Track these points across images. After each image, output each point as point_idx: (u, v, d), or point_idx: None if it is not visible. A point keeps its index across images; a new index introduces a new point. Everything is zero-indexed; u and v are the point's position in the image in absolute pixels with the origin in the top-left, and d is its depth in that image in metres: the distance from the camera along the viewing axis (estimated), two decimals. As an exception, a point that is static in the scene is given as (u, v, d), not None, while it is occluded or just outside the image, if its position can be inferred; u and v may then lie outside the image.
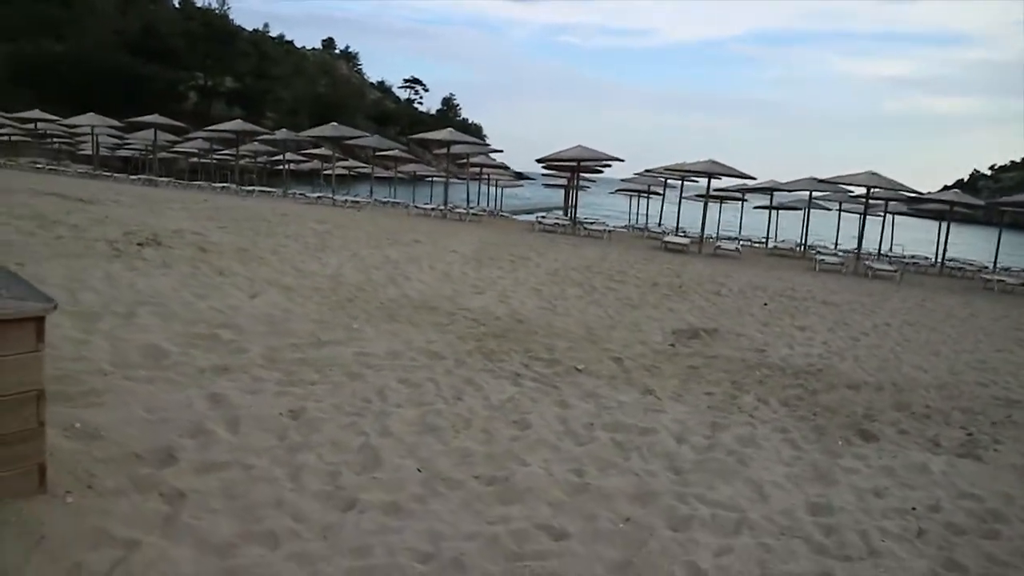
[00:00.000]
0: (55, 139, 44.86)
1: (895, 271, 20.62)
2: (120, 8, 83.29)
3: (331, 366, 5.79)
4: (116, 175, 33.56)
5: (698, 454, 5.03)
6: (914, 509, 4.51)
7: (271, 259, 9.97)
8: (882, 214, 28.27)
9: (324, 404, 4.99)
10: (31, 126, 37.33)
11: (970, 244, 32.52)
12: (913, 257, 27.20)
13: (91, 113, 33.88)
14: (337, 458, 4.24)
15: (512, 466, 4.42)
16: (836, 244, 29.38)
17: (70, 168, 36.48)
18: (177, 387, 4.95)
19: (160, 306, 6.63)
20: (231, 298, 7.38)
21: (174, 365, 5.33)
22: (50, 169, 33.41)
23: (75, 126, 35.50)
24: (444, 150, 29.97)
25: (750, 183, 26.39)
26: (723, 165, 22.59)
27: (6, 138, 44.05)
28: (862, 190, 22.74)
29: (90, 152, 39.20)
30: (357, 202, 28.60)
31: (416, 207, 28.61)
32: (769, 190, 28.58)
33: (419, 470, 4.23)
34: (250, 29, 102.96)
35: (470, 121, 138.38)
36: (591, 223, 26.08)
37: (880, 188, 21.40)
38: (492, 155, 33.85)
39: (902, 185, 21.19)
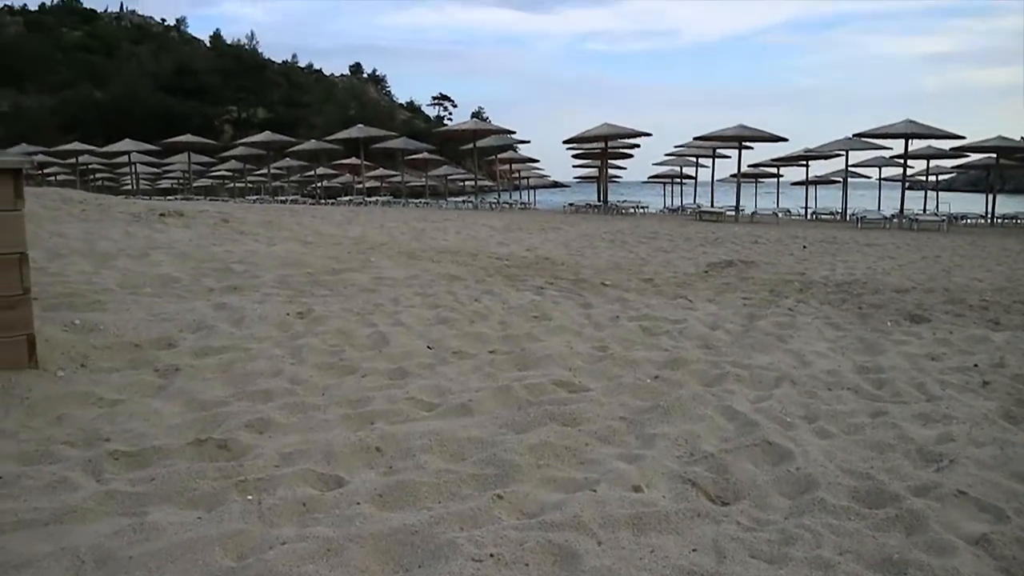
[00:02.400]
0: (97, 175, 46.08)
1: (942, 220, 19.72)
2: (154, 52, 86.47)
3: (345, 285, 5.59)
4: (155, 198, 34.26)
5: (733, 337, 4.66)
6: (976, 366, 4.08)
7: (294, 226, 9.88)
8: (923, 187, 27.11)
9: (334, 307, 4.78)
10: (73, 160, 38.32)
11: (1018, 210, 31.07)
12: (964, 214, 25.92)
13: (127, 139, 34.64)
14: (342, 341, 4.02)
15: (529, 345, 4.13)
16: (879, 211, 28.34)
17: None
18: (183, 301, 4.79)
19: (174, 250, 6.53)
20: (248, 246, 7.26)
21: (183, 287, 5.19)
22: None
23: (113, 153, 36.32)
24: (471, 145, 29.78)
25: (783, 151, 25.69)
26: (753, 128, 21.97)
27: (52, 178, 45.50)
28: (900, 149, 21.91)
29: (131, 186, 40.15)
30: (388, 202, 28.64)
31: (448, 201, 28.51)
32: (804, 158, 27.76)
33: (429, 347, 3.98)
34: (279, 61, 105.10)
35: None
36: (623, 203, 25.63)
37: (920, 137, 20.50)
38: (520, 148, 33.59)
39: (942, 131, 20.29)
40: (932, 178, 26.99)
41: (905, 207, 21.79)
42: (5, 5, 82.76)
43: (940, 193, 29.45)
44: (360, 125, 29.12)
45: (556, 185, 48.78)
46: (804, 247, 11.64)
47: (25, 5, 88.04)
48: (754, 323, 5.05)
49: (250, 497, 2.14)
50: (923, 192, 27.77)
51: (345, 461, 2.44)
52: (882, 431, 3.00)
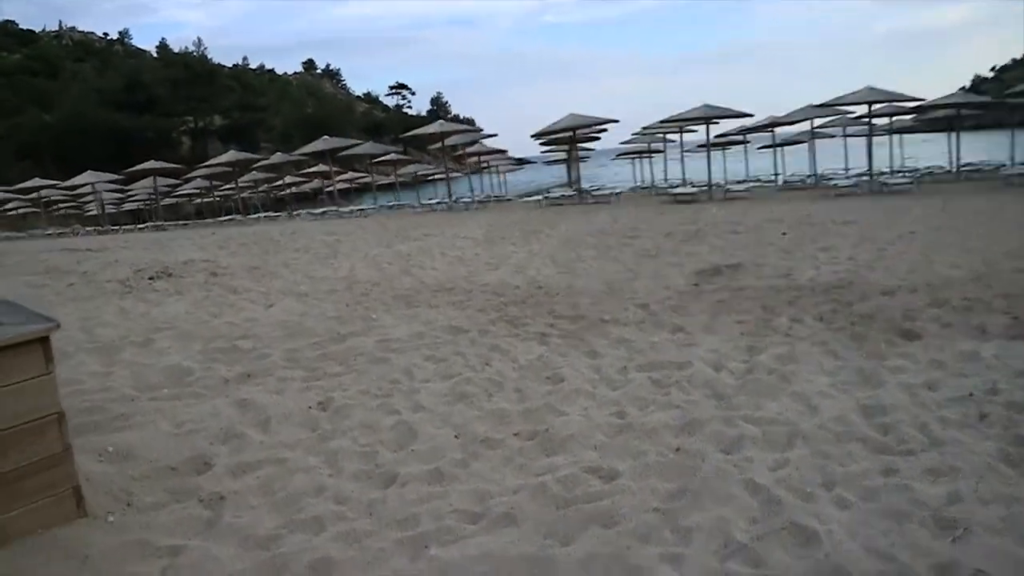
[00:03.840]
0: (60, 205, 45.35)
1: (910, 183, 20.17)
2: (99, 69, 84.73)
3: (354, 356, 5.71)
4: (124, 227, 33.84)
5: (738, 379, 4.88)
6: (971, 395, 4.32)
7: (283, 271, 9.92)
8: (887, 133, 27.61)
9: (351, 391, 4.90)
10: (35, 195, 37.70)
11: (983, 150, 31.61)
12: (928, 168, 26.55)
13: (88, 171, 34.12)
14: (372, 439, 4.16)
15: (550, 419, 4.30)
16: (847, 170, 28.81)
17: (80, 231, 36.85)
18: (203, 400, 4.89)
19: (176, 329, 6.59)
20: (246, 312, 7.33)
21: (198, 382, 5.27)
22: (59, 234, 33.76)
23: (76, 186, 35.78)
24: (439, 144, 29.79)
25: (749, 122, 25.95)
26: (718, 108, 22.20)
27: (14, 211, 44.68)
28: (864, 110, 22.22)
29: (96, 212, 39.60)
30: (363, 211, 28.58)
31: (421, 204, 28.54)
32: (769, 126, 28.06)
33: (456, 437, 4.13)
34: (230, 65, 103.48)
35: (462, 116, 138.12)
36: (597, 190, 25.81)
37: (881, 103, 20.89)
38: (487, 142, 33.61)
39: (903, 95, 20.69)
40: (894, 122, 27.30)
41: (873, 156, 22.18)
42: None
43: (904, 137, 29.78)
44: (326, 136, 28.89)
45: (522, 162, 48.76)
46: (784, 234, 11.89)
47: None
48: (755, 358, 5.26)
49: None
50: (888, 139, 28.11)
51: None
52: (896, 496, 3.22)
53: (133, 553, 3.14)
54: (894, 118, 27.06)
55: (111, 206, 42.61)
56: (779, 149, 30.97)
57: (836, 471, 3.49)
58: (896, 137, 28.39)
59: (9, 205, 42.71)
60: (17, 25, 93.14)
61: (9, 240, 30.95)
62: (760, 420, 4.14)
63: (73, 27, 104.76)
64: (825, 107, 22.44)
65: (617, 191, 25.47)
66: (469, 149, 34.32)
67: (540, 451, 3.89)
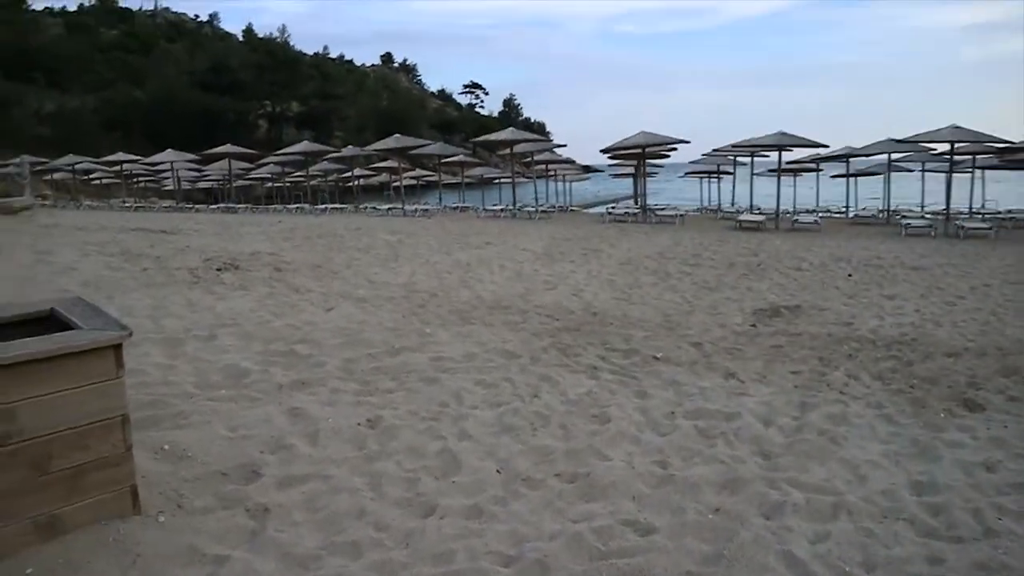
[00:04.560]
0: (140, 178, 47.28)
1: (990, 228, 19.39)
2: (189, 49, 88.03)
3: (407, 372, 5.82)
4: (198, 206, 35.05)
5: (787, 436, 4.80)
6: (1033, 482, 4.16)
7: (345, 272, 10.15)
8: (971, 170, 26.48)
9: (401, 411, 5.00)
10: (117, 167, 39.38)
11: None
12: (1010, 212, 25.32)
13: (169, 150, 35.49)
14: (416, 464, 4.24)
15: (593, 461, 4.32)
16: (922, 207, 27.85)
17: (156, 204, 38.37)
18: (257, 405, 5.05)
19: (238, 327, 6.82)
20: (306, 314, 7.53)
21: (254, 385, 5.45)
22: (137, 207, 35.16)
23: (156, 163, 37.25)
24: (508, 150, 29.99)
25: (824, 151, 25.35)
26: (793, 136, 21.76)
27: (97, 181, 46.80)
28: (945, 147, 21.45)
29: (172, 187, 41.17)
30: (427, 210, 28.96)
31: (485, 209, 28.76)
32: (845, 157, 27.37)
33: (498, 471, 4.18)
34: (311, 53, 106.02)
35: (532, 120, 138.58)
36: (661, 209, 25.60)
37: (965, 142, 20.13)
38: (557, 150, 33.69)
39: (990, 136, 19.88)
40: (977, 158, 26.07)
41: (952, 194, 21.33)
42: (46, 8, 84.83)
43: (986, 174, 28.29)
44: (397, 135, 29.42)
45: (588, 169, 48.55)
46: (849, 275, 11.61)
47: (65, 7, 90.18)
48: (806, 415, 5.16)
49: None
50: (969, 177, 26.86)
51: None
52: (941, 589, 3.13)
53: (181, 557, 3.28)
54: (978, 156, 26.00)
55: (187, 183, 44.18)
56: (852, 180, 30.15)
57: (879, 552, 3.41)
58: (979, 173, 27.09)
59: (95, 175, 44.73)
60: (116, 3, 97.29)
61: (92, 209, 32.41)
62: (805, 486, 4.07)
63: (167, 7, 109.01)
64: (905, 143, 21.74)
65: (681, 212, 25.18)
66: (537, 157, 34.40)
67: (579, 496, 3.91)
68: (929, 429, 4.96)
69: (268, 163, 39.56)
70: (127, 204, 35.90)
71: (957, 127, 19.52)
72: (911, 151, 24.64)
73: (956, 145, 20.75)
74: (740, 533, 3.52)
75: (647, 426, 4.93)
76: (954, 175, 23.20)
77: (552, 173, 39.05)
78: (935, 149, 24.03)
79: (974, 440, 4.78)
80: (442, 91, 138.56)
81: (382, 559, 3.28)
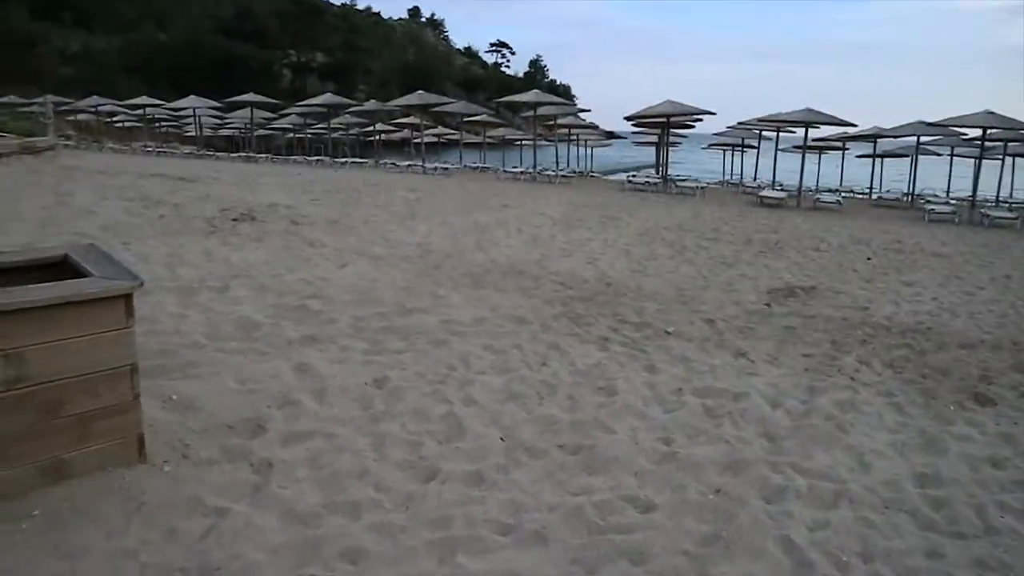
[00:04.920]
0: (162, 123, 47.26)
1: (1015, 218, 19.02)
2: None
3: (417, 333, 5.83)
4: (219, 154, 35.07)
5: (794, 420, 4.77)
6: (1039, 480, 4.12)
7: (361, 228, 10.13)
8: (1001, 156, 25.85)
9: (408, 372, 5.02)
10: (140, 111, 39.36)
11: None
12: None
13: (192, 96, 35.39)
14: (420, 427, 4.26)
15: (597, 434, 4.32)
16: (948, 192, 27.28)
17: (177, 150, 38.45)
18: (267, 359, 5.08)
19: (252, 279, 6.84)
20: (320, 270, 7.54)
21: (264, 338, 5.48)
22: (159, 152, 35.21)
23: (179, 109, 37.20)
24: (531, 112, 29.65)
25: (852, 131, 24.86)
26: (821, 113, 21.33)
27: (120, 124, 46.82)
28: (976, 132, 20.94)
29: (194, 133, 41.15)
30: (447, 169, 28.81)
31: (505, 171, 28.56)
32: (873, 137, 26.81)
33: (502, 439, 4.19)
34: (338, 3, 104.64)
35: (558, 82, 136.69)
36: (683, 180, 25.32)
37: (998, 128, 19.64)
38: (580, 115, 33.26)
39: (1023, 123, 19.39)
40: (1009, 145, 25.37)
41: (979, 180, 20.84)
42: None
43: (1017, 162, 27.52)
44: (420, 92, 29.15)
45: (611, 136, 47.94)
46: (869, 259, 11.46)
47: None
48: (815, 400, 5.12)
49: None
50: (999, 162, 26.21)
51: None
52: (937, 583, 3.12)
53: (183, 507, 3.33)
54: (1010, 144, 25.38)
55: (209, 130, 44.12)
56: (879, 160, 29.59)
57: (877, 543, 3.40)
58: (1009, 160, 26.39)
59: (117, 118, 44.73)
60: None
61: (115, 152, 32.53)
62: (808, 471, 4.06)
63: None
64: (936, 126, 21.26)
65: (702, 185, 24.89)
66: (561, 120, 34.02)
67: (581, 468, 3.91)
68: (938, 421, 4.91)
69: (290, 114, 39.41)
70: (149, 148, 35.98)
71: (991, 112, 19.05)
72: (941, 135, 24.11)
73: (988, 131, 20.28)
74: (740, 515, 3.52)
75: (654, 401, 4.92)
76: (983, 162, 22.69)
77: (575, 137, 38.63)
78: (966, 134, 23.49)
79: (982, 435, 4.73)
80: (468, 48, 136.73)
81: (381, 520, 3.31)
